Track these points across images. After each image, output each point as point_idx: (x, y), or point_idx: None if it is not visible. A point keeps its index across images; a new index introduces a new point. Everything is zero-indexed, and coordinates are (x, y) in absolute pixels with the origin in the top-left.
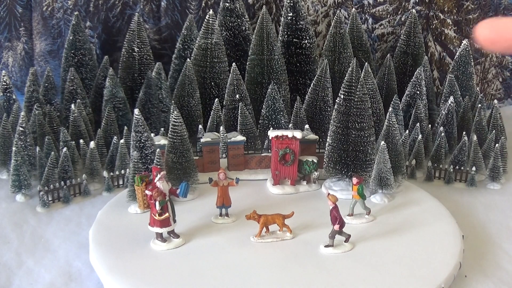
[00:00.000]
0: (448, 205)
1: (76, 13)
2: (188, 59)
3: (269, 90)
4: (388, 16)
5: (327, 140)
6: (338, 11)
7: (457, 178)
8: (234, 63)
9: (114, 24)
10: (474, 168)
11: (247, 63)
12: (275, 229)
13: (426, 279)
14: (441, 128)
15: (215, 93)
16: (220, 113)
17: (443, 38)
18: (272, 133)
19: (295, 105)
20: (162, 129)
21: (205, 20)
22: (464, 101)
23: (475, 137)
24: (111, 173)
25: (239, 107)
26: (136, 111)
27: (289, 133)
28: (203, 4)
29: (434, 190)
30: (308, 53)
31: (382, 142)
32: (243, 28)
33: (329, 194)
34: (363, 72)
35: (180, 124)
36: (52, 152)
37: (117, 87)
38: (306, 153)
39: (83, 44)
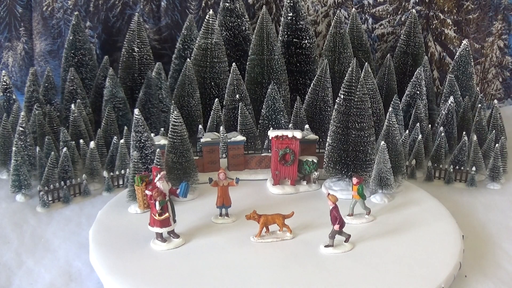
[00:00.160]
0: (448, 205)
1: (76, 13)
2: (188, 59)
3: (269, 90)
4: (388, 16)
5: (327, 140)
6: (338, 11)
7: (457, 178)
8: (234, 63)
9: (114, 24)
10: (474, 168)
11: (247, 63)
12: (275, 229)
13: (426, 279)
14: (441, 128)
15: (215, 93)
16: (220, 113)
17: (443, 38)
18: (272, 133)
19: (295, 105)
20: (162, 129)
21: (205, 20)
22: (464, 101)
23: (475, 137)
24: (111, 173)
25: (239, 107)
26: (136, 111)
27: (289, 133)
28: (203, 4)
29: (434, 190)
30: (308, 53)
31: (382, 142)
32: (243, 28)
33: (329, 194)
34: (363, 72)
35: (180, 124)
36: (52, 152)
37: (117, 87)
38: (306, 153)
39: (83, 44)
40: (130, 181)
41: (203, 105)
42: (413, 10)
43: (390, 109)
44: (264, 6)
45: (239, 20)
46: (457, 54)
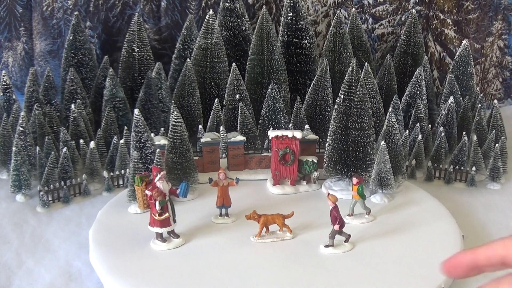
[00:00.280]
0: (448, 205)
1: (76, 13)
2: (188, 59)
3: (269, 90)
4: (388, 16)
5: (327, 140)
6: (338, 11)
7: (457, 178)
8: (234, 63)
9: (114, 24)
10: (474, 168)
11: (247, 63)
12: (275, 229)
13: (426, 279)
14: (441, 128)
15: (215, 93)
16: (220, 113)
17: (443, 38)
18: (272, 133)
19: (295, 105)
20: (162, 129)
21: (205, 20)
22: (464, 101)
23: (475, 137)
24: (111, 173)
25: (239, 107)
26: (136, 111)
27: (289, 133)
28: (203, 4)
29: (434, 190)
30: (308, 53)
31: (382, 142)
32: (243, 28)
33: (329, 194)
34: (363, 72)
35: (180, 124)
36: (52, 152)
37: (117, 87)
38: (306, 153)
39: (83, 44)
40: (130, 181)
41: (203, 105)
42: (413, 10)
43: (390, 109)
44: (264, 6)
45: (239, 20)
46: (457, 54)
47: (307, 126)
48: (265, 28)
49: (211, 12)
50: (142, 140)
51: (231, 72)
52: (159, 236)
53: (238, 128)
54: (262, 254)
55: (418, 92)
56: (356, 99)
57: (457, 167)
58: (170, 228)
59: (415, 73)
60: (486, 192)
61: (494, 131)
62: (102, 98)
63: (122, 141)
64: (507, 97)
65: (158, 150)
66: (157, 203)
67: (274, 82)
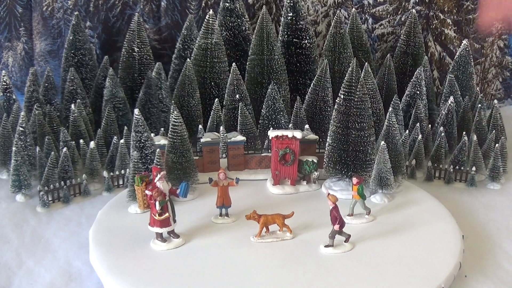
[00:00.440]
0: (448, 205)
1: (76, 13)
2: (188, 59)
3: (269, 90)
4: (388, 16)
5: (327, 140)
6: (338, 11)
7: (457, 178)
8: (234, 63)
9: (114, 24)
10: (474, 168)
11: (247, 63)
12: (275, 229)
13: (426, 279)
14: (441, 128)
15: (215, 93)
16: (220, 113)
17: (443, 38)
18: (272, 133)
19: (295, 105)
20: (162, 129)
21: (205, 20)
22: (464, 101)
23: (475, 137)
24: (111, 173)
25: (239, 107)
26: (136, 111)
27: (289, 133)
28: (203, 4)
29: (434, 190)
30: (308, 53)
31: (382, 142)
32: (243, 28)
33: (329, 194)
34: (363, 72)
35: (180, 124)
36: (52, 152)
37: (117, 87)
38: (306, 153)
39: (83, 44)
40: (130, 181)
41: (203, 105)
42: (413, 10)
43: (390, 109)
44: (264, 6)
45: (239, 20)
46: (457, 54)
47: (307, 126)
48: (265, 28)
49: (211, 12)
50: (142, 140)
51: (231, 72)
52: (159, 236)
53: (238, 128)
54: (262, 254)
55: (418, 92)
56: (356, 99)
57: (457, 167)
58: (170, 228)
59: (415, 73)
60: (486, 192)
61: (494, 131)
62: (102, 98)
63: (122, 141)
64: (507, 97)
65: (158, 150)
66: (157, 203)
67: (274, 82)
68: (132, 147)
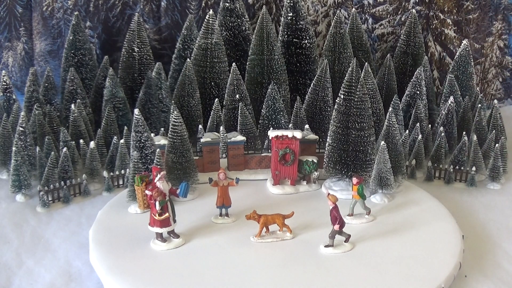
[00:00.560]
0: (448, 205)
1: (76, 13)
2: (188, 59)
3: (269, 90)
4: (388, 16)
5: (327, 140)
6: (338, 11)
7: (457, 178)
8: (234, 63)
9: (114, 24)
10: (474, 168)
11: (247, 63)
12: (275, 229)
13: (426, 279)
14: (441, 128)
15: (215, 93)
16: (220, 113)
17: (443, 38)
18: (272, 133)
19: (295, 105)
20: (162, 129)
21: (205, 20)
22: (464, 101)
23: (475, 137)
24: (111, 173)
25: (239, 107)
26: (136, 111)
27: (289, 133)
28: (203, 4)
29: (434, 190)
30: (308, 53)
31: (382, 142)
32: (243, 28)
33: (329, 194)
34: (363, 72)
35: (180, 124)
36: (52, 152)
37: (117, 87)
38: (306, 153)
39: (83, 44)
40: (130, 181)
41: (203, 105)
42: (413, 10)
43: (390, 109)
44: (264, 6)
45: (239, 20)
46: (457, 54)
47: (307, 126)
48: (265, 28)
49: (211, 12)
50: (142, 140)
51: (231, 72)
52: (159, 236)
53: (238, 128)
54: (262, 254)
55: (418, 92)
56: (356, 99)
57: (457, 167)
58: (170, 228)
59: (415, 73)
60: (486, 192)
61: (494, 131)
62: (102, 98)
63: (122, 141)
64: (507, 97)
65: (158, 150)
66: (157, 203)
67: (274, 82)
68: (132, 147)
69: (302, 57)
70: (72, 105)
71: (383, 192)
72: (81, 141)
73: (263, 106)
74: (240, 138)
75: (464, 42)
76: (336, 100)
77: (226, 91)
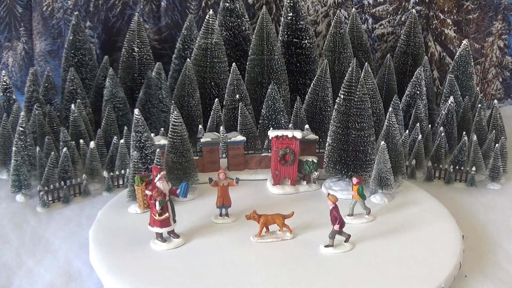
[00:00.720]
0: (448, 205)
1: (76, 13)
2: (188, 59)
3: (269, 90)
4: (388, 16)
5: (327, 140)
6: (338, 11)
7: (457, 178)
8: (234, 63)
9: (114, 24)
10: (474, 168)
11: (247, 63)
12: (275, 229)
13: (426, 279)
14: (441, 128)
15: (215, 93)
16: (220, 113)
17: (443, 38)
18: (272, 133)
19: (295, 105)
20: (162, 129)
21: (205, 20)
22: (464, 101)
23: (475, 137)
24: (111, 173)
25: (239, 107)
26: (136, 111)
27: (289, 133)
28: (203, 4)
29: (434, 190)
30: (308, 53)
31: (382, 142)
32: (243, 28)
33: (329, 194)
34: (363, 72)
35: (180, 124)
36: (52, 152)
37: (117, 87)
38: (306, 153)
39: (83, 44)
40: (130, 181)
41: (203, 105)
42: (413, 10)
43: (390, 109)
44: (264, 6)
45: (239, 20)
46: (457, 54)
47: (307, 126)
48: (265, 28)
49: (211, 12)
50: (142, 140)
51: (231, 72)
52: (159, 236)
53: (238, 128)
54: (262, 254)
55: (418, 92)
56: (356, 99)
57: (457, 167)
58: (170, 228)
59: (415, 73)
60: (486, 192)
61: (494, 131)
62: (102, 98)
63: (122, 141)
64: (507, 97)
65: (158, 150)
66: (157, 203)
67: (274, 82)
68: (132, 147)
69: (302, 57)
70: (72, 105)
71: (383, 192)
72: (81, 141)
73: (263, 106)
74: (240, 138)
75: (464, 42)
76: (336, 100)
77: (226, 91)
